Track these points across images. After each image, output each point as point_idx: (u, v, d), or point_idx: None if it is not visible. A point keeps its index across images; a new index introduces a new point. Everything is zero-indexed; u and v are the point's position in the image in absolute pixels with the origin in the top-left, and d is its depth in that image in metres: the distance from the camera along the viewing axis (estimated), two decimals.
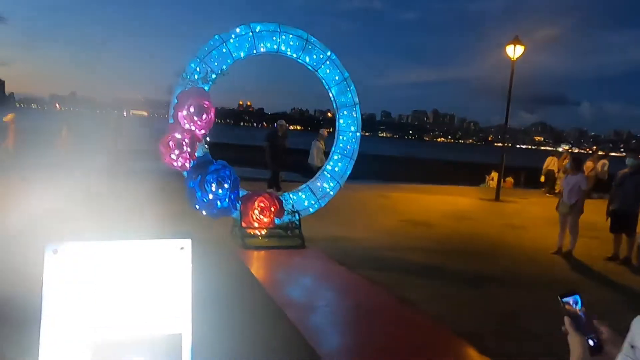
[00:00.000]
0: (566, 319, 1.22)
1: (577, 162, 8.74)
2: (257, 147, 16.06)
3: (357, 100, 8.14)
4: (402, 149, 65.31)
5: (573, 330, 1.18)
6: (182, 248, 1.55)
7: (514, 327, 4.93)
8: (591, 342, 1.14)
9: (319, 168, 12.00)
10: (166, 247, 1.54)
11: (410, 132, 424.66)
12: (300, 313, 4.70)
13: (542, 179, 17.59)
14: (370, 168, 18.50)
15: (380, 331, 4.53)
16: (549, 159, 17.34)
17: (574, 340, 1.17)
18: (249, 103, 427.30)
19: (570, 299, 1.24)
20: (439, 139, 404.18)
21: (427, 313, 5.09)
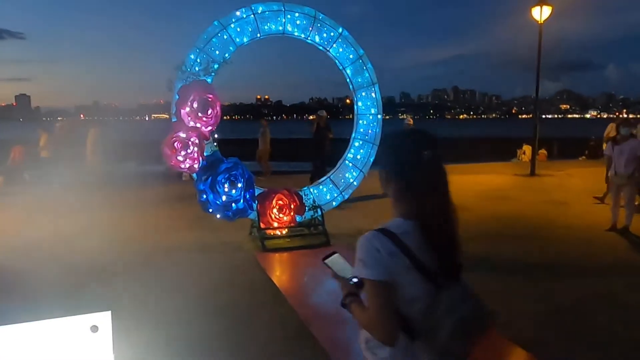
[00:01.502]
0: (331, 272, 1.67)
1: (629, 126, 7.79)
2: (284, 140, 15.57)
3: (375, 79, 7.40)
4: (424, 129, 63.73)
5: (337, 277, 1.66)
6: (94, 327, 0.90)
7: (582, 326, 4.17)
8: (355, 280, 1.55)
9: None
10: (71, 327, 0.90)
11: (431, 111, 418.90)
12: (327, 329, 4.05)
13: (605, 146, 16.62)
14: None
15: None
16: (610, 125, 16.30)
17: (341, 283, 1.63)
18: (266, 97, 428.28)
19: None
20: (460, 116, 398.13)
21: None
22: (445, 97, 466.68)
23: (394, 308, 1.47)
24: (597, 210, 9.08)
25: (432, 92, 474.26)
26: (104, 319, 0.90)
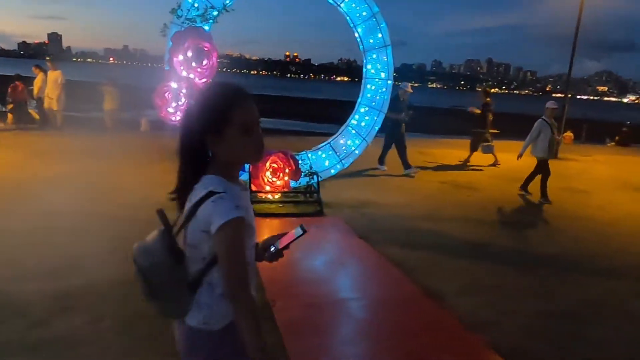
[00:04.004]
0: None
1: None
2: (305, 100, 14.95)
3: (388, 41, 6.77)
4: (451, 100, 62.10)
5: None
6: None
7: (577, 337, 3.71)
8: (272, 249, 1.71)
9: (545, 161, 8.53)
10: None
11: (462, 82, 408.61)
12: (287, 310, 3.68)
13: None
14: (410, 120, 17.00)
15: (388, 341, 3.46)
16: None
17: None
18: (295, 54, 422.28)
19: None
20: (492, 90, 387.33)
21: (459, 315, 3.95)
22: (478, 68, 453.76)
23: None
24: (619, 203, 8.44)
25: (465, 63, 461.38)
26: None
